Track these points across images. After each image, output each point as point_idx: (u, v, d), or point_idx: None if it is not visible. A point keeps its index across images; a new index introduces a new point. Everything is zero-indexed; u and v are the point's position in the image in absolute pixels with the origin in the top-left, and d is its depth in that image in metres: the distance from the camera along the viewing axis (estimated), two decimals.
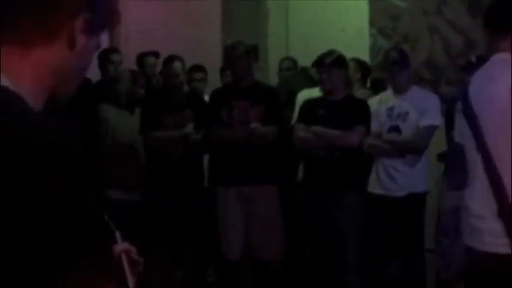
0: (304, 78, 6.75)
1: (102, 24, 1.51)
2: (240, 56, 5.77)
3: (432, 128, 5.62)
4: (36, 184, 1.29)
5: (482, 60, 5.79)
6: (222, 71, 7.15)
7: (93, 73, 6.68)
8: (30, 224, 1.28)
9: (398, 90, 5.74)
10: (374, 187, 5.73)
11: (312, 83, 6.37)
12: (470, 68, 5.80)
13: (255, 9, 8.48)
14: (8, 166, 1.28)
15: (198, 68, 6.89)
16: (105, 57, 6.76)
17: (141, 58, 7.38)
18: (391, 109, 5.73)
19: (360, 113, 5.63)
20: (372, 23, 7.59)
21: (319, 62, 5.67)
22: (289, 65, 7.17)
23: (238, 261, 5.74)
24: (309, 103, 5.78)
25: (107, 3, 1.53)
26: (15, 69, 1.39)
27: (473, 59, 5.88)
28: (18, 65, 1.40)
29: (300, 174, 6.06)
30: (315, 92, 6.03)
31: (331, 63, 5.58)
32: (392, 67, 5.75)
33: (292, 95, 6.41)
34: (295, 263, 6.08)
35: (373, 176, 5.75)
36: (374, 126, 5.68)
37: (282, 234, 5.78)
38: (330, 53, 5.71)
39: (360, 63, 6.56)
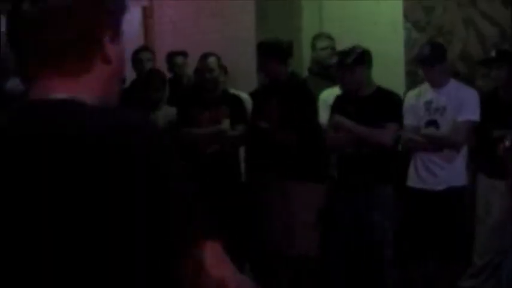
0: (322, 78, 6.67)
1: (122, 25, 1.68)
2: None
3: (470, 123, 5.58)
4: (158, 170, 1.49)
5: (501, 54, 5.76)
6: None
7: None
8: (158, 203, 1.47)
9: (436, 84, 5.70)
10: (413, 181, 5.70)
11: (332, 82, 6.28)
12: (490, 62, 5.77)
13: (288, 4, 8.46)
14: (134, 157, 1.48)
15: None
16: (136, 56, 6.84)
17: (170, 58, 7.44)
18: (429, 103, 5.70)
19: (391, 109, 5.58)
20: (405, 16, 7.54)
21: (341, 63, 5.60)
22: (326, 44, 7.01)
23: (277, 255, 5.79)
24: (340, 99, 5.75)
25: (122, 7, 1.68)
26: (69, 91, 1.59)
27: (493, 54, 5.84)
28: (70, 87, 1.59)
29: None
30: (335, 92, 6.00)
31: (352, 62, 5.52)
32: (423, 63, 5.72)
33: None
34: (329, 259, 6.07)
35: (411, 170, 5.73)
36: (412, 120, 5.65)
37: (317, 229, 5.80)
38: (350, 51, 5.62)
39: None
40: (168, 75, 7.39)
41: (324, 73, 6.62)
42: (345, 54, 5.64)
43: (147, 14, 9.38)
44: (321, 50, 6.94)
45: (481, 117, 5.60)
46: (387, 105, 5.58)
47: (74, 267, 1.48)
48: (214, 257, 1.51)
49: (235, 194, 5.97)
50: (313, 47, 7.07)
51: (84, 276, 1.48)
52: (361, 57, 5.58)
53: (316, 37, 7.04)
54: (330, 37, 6.97)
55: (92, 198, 1.47)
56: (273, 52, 6.00)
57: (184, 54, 7.41)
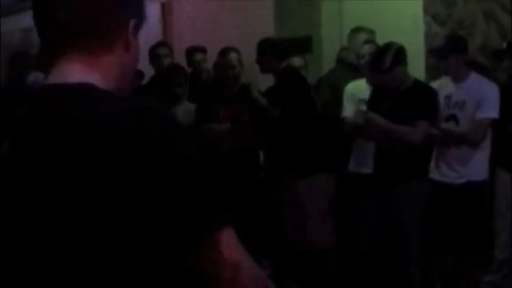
0: (348, 71, 6.61)
1: (142, 22, 1.71)
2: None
3: (489, 120, 5.52)
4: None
5: None
6: None
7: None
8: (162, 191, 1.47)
9: (455, 78, 5.64)
10: (434, 174, 5.67)
11: (357, 74, 6.23)
12: (501, 53, 5.72)
13: (307, 0, 8.43)
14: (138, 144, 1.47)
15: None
16: (153, 52, 6.84)
17: (189, 53, 7.43)
18: (448, 97, 5.64)
19: (425, 105, 5.48)
20: (426, 10, 7.50)
21: (377, 67, 5.51)
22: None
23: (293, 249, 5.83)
24: (377, 93, 5.67)
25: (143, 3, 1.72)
26: (88, 72, 1.61)
27: (504, 45, 5.79)
28: (87, 70, 1.62)
29: (352, 164, 6.03)
30: (361, 84, 5.97)
31: (392, 63, 5.42)
32: (436, 54, 5.67)
33: (337, 90, 6.30)
34: (351, 253, 6.07)
35: (433, 163, 5.70)
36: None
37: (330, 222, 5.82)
38: (385, 51, 5.53)
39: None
40: (187, 70, 7.39)
41: (354, 65, 6.50)
42: (380, 55, 5.50)
43: (165, 10, 9.39)
44: (363, 43, 6.80)
45: (499, 110, 5.55)
46: (422, 101, 5.48)
47: (78, 250, 1.48)
48: (229, 243, 1.52)
49: (253, 191, 5.96)
50: (352, 39, 6.89)
51: (88, 263, 1.49)
52: (398, 57, 5.46)
53: (356, 30, 6.85)
54: (371, 31, 6.80)
55: (102, 183, 1.46)
56: (266, 48, 6.07)
57: (203, 50, 7.41)
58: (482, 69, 6.18)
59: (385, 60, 5.39)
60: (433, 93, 5.58)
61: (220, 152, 5.93)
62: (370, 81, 5.83)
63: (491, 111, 5.50)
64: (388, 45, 5.55)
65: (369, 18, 7.59)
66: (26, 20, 13.43)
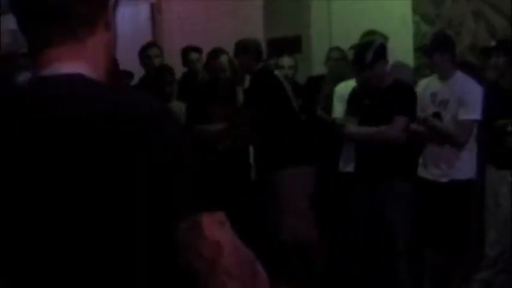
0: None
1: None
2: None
3: (472, 122, 5.55)
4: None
5: (502, 44, 5.75)
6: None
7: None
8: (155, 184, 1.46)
9: (442, 76, 5.68)
10: (421, 171, 5.71)
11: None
12: (489, 51, 5.75)
13: (296, 1, 8.45)
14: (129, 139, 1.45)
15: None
16: (144, 52, 6.85)
17: (185, 53, 7.44)
18: (434, 95, 5.68)
19: (403, 102, 5.52)
20: (414, 9, 7.52)
21: (360, 61, 5.54)
22: (338, 55, 7.10)
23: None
24: (356, 93, 5.71)
25: None
26: (76, 59, 1.59)
27: (493, 43, 5.82)
28: (77, 55, 1.60)
29: (341, 164, 6.07)
30: (350, 85, 5.99)
31: (373, 58, 5.45)
32: (424, 52, 5.72)
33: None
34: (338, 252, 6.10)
35: (420, 160, 5.74)
36: (417, 111, 5.62)
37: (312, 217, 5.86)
38: (367, 46, 5.58)
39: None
40: (183, 70, 7.41)
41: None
42: (362, 49, 5.53)
43: (155, 11, 9.39)
44: (334, 61, 7.01)
45: (486, 108, 5.58)
46: (401, 98, 5.51)
47: (77, 245, 1.47)
48: (212, 222, 1.49)
49: (245, 191, 5.98)
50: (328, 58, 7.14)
51: (87, 257, 1.47)
52: (380, 51, 5.49)
53: (369, 33, 6.92)
54: (384, 36, 6.90)
55: (101, 181, 1.45)
56: (240, 50, 6.16)
57: (199, 50, 7.42)
58: (471, 68, 6.22)
59: (366, 56, 5.42)
60: (411, 91, 5.64)
61: (214, 152, 5.95)
62: (355, 75, 5.86)
63: (474, 112, 5.52)
64: (370, 42, 5.61)
65: (357, 18, 7.62)
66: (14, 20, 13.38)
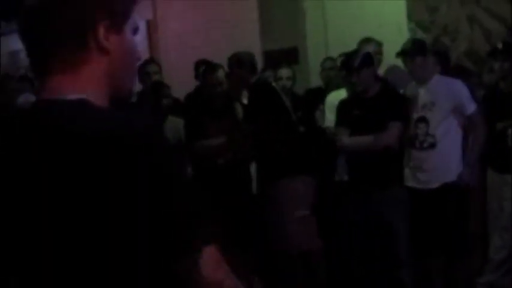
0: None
1: (127, 15, 1.67)
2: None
3: (478, 112, 5.56)
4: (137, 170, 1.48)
5: (508, 46, 5.75)
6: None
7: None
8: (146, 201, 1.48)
9: (419, 80, 5.69)
10: (408, 180, 5.68)
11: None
12: (496, 54, 5.76)
13: (292, 11, 8.47)
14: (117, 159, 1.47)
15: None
16: (143, 69, 6.86)
17: (198, 66, 7.42)
18: (415, 100, 5.69)
19: (395, 107, 5.55)
20: (409, 16, 7.54)
21: (347, 66, 5.63)
22: (331, 65, 7.15)
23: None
24: (344, 103, 5.76)
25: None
26: (73, 85, 1.61)
27: (500, 46, 5.82)
28: (73, 82, 1.62)
29: (338, 172, 6.09)
30: (341, 94, 6.03)
31: (360, 64, 5.52)
32: (404, 57, 5.73)
33: None
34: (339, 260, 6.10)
35: (406, 170, 5.71)
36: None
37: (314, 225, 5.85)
38: (355, 52, 5.67)
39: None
40: (180, 85, 7.42)
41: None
42: (350, 56, 5.64)
43: (151, 27, 9.40)
44: (328, 70, 7.16)
45: (486, 112, 5.59)
46: (393, 104, 5.56)
47: (75, 260, 1.50)
48: (211, 261, 1.54)
49: (247, 205, 5.98)
50: (322, 68, 7.29)
51: (88, 268, 1.51)
52: (367, 59, 5.58)
53: (366, 41, 7.00)
54: (378, 43, 6.98)
55: (93, 198, 1.48)
56: (236, 63, 6.24)
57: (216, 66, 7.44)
58: (467, 74, 6.23)
59: (353, 60, 5.52)
60: (401, 95, 5.68)
61: (215, 166, 5.95)
62: (344, 82, 5.94)
63: (472, 103, 5.55)
64: (357, 50, 5.81)
65: (353, 27, 7.64)
66: (13, 42, 13.43)
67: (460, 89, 5.60)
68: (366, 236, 5.57)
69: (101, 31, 1.63)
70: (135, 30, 1.72)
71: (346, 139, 5.62)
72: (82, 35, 1.62)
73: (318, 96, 6.80)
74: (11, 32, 13.12)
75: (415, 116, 5.63)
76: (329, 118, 6.05)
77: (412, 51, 5.67)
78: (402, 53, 5.75)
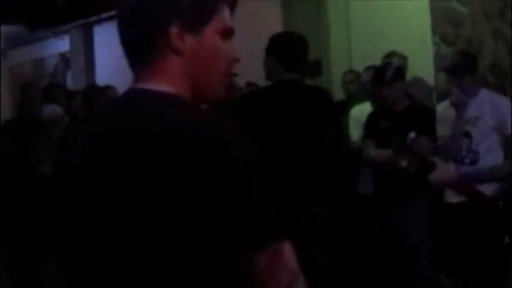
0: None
1: (203, 17, 1.65)
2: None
3: None
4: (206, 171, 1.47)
5: None
6: None
7: None
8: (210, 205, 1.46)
9: (468, 95, 5.61)
10: (448, 196, 5.60)
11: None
12: None
13: (316, 23, 8.47)
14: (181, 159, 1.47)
15: None
16: None
17: None
18: None
19: (423, 122, 5.51)
20: (434, 30, 7.51)
21: (378, 78, 5.59)
22: (353, 78, 7.15)
23: None
24: (372, 116, 5.73)
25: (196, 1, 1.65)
26: (152, 79, 1.63)
27: None
28: (151, 76, 1.64)
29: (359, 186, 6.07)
30: (366, 108, 6.00)
31: (392, 77, 5.49)
32: (452, 72, 5.66)
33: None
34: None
35: None
36: (443, 130, 5.53)
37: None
38: (387, 65, 5.64)
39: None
40: None
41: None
42: (382, 68, 5.61)
43: None
44: (349, 84, 7.16)
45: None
46: (420, 119, 5.51)
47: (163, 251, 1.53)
48: (290, 251, 1.53)
49: None
50: (343, 81, 7.29)
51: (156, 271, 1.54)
52: (399, 72, 5.55)
53: (390, 55, 6.96)
54: (403, 56, 6.95)
55: (180, 189, 1.48)
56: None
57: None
58: (491, 88, 6.18)
59: (386, 73, 5.49)
60: (430, 111, 5.64)
61: None
62: (373, 96, 5.88)
63: None
64: (389, 62, 5.77)
65: (377, 40, 7.63)
66: (36, 50, 13.49)
67: (506, 106, 5.51)
68: (386, 249, 5.55)
69: (173, 31, 1.62)
70: (227, 34, 1.70)
71: (372, 151, 5.60)
72: (154, 36, 1.62)
73: (340, 109, 6.80)
74: (33, 40, 13.20)
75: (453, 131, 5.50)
76: (354, 133, 6.03)
77: (462, 68, 5.54)
78: (448, 69, 5.64)
